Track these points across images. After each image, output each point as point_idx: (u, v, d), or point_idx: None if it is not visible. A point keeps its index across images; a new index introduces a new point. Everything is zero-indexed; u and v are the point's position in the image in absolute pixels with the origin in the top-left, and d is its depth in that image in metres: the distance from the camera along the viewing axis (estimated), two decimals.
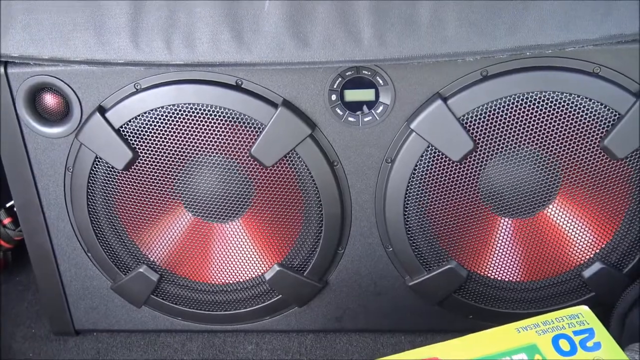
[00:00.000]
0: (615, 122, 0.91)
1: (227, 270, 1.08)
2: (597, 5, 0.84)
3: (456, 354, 0.73)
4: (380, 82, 0.93)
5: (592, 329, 0.75)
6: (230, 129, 0.96)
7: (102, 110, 0.96)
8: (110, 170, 1.00)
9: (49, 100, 0.98)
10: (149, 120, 0.96)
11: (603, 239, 1.01)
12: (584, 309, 0.78)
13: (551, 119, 0.92)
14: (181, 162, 0.99)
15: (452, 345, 0.75)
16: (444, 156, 0.95)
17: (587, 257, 1.02)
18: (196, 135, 0.97)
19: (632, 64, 0.89)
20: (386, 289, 1.09)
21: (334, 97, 0.94)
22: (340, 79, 0.93)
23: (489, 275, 1.04)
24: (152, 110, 0.95)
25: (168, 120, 0.96)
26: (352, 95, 0.94)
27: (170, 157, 0.99)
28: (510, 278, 1.04)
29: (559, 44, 0.85)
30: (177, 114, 0.95)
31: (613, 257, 1.01)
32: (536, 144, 0.94)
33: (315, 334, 1.16)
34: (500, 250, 1.03)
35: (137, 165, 0.99)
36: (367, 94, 0.94)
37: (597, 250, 1.01)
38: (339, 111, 0.95)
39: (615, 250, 1.01)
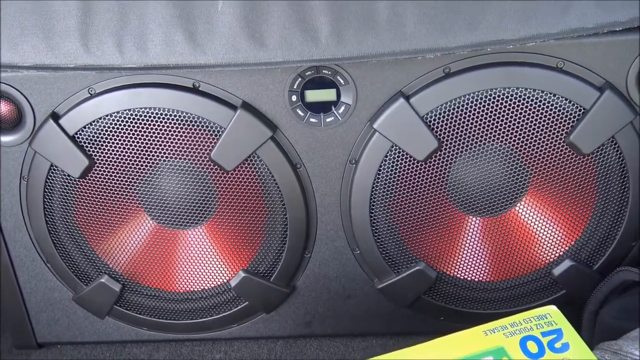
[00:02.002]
0: (581, 117, 0.89)
1: (192, 278, 1.05)
2: None
3: None
4: (342, 81, 0.91)
5: (560, 330, 0.73)
6: (188, 133, 0.93)
7: (55, 116, 0.93)
8: (67, 179, 0.97)
9: (1, 107, 0.95)
10: (104, 126, 0.93)
11: (572, 236, 0.99)
12: (552, 309, 0.76)
13: (516, 115, 0.90)
14: (140, 168, 0.96)
15: (418, 350, 0.73)
16: (408, 156, 0.93)
17: (557, 254, 1.00)
18: (154, 140, 0.94)
19: (596, 58, 0.88)
20: (355, 293, 1.06)
21: (294, 97, 0.92)
22: (300, 79, 0.91)
23: (458, 275, 1.03)
24: (107, 115, 0.93)
25: (124, 125, 0.93)
26: (313, 95, 0.92)
27: (128, 163, 0.96)
28: (480, 278, 1.03)
29: (519, 39, 0.83)
30: (133, 118, 0.92)
31: (583, 254, 1.00)
32: (502, 141, 0.92)
33: (285, 340, 1.13)
34: (470, 250, 1.01)
35: (94, 173, 0.96)
36: (328, 94, 0.92)
37: (567, 248, 1.00)
38: (300, 112, 0.93)
39: (585, 247, 0.99)
